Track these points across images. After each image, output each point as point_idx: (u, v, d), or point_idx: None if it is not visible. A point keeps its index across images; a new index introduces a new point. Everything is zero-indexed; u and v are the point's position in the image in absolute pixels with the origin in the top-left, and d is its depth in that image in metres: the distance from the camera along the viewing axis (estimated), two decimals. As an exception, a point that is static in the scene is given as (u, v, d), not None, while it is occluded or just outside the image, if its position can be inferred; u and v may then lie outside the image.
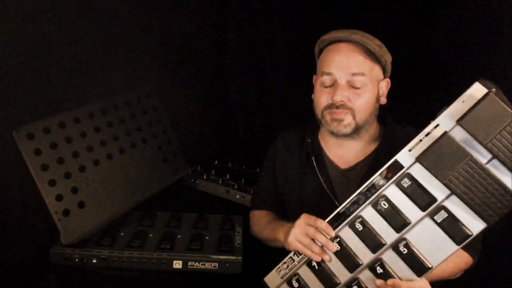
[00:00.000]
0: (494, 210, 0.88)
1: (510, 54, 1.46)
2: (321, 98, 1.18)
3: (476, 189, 0.89)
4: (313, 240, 1.06)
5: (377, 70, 1.18)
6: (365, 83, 1.14)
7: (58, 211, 1.31)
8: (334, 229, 1.05)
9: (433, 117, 0.95)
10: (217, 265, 1.35)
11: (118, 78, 1.73)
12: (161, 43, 1.92)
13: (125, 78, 1.76)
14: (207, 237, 1.47)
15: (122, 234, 1.45)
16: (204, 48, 2.07)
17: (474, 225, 0.91)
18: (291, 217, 1.35)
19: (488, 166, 0.89)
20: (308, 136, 1.31)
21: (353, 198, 1.04)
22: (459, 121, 0.90)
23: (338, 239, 1.05)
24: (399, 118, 1.32)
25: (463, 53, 1.62)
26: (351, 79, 1.13)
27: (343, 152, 1.26)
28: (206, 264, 1.34)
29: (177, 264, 1.34)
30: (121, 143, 1.57)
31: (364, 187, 1.02)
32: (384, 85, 1.22)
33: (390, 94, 1.27)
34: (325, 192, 1.22)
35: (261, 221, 1.41)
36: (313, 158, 1.26)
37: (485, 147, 0.88)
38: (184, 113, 2.05)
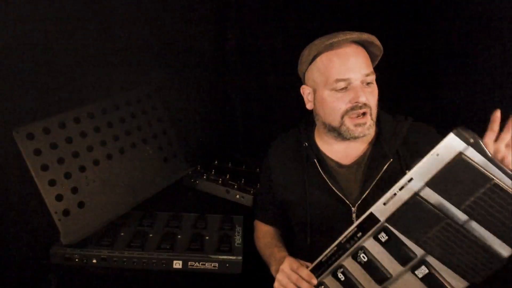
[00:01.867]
0: (476, 271, 0.84)
1: (510, 54, 1.46)
2: (339, 104, 1.15)
3: (455, 251, 0.85)
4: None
5: None
6: (373, 79, 1.17)
7: (58, 211, 1.32)
8: (318, 276, 1.04)
9: (409, 167, 0.90)
10: (217, 265, 1.35)
11: (118, 78, 1.73)
12: (161, 43, 1.92)
13: (125, 78, 1.76)
14: (207, 237, 1.47)
15: (122, 234, 1.45)
16: (204, 48, 2.07)
17: (457, 282, 0.87)
18: (298, 225, 1.34)
19: (466, 225, 0.84)
20: (304, 140, 1.30)
21: (333, 247, 1.01)
22: (429, 184, 0.84)
23: (322, 286, 1.04)
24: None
25: (463, 53, 1.62)
26: (364, 79, 1.14)
27: (344, 148, 1.26)
28: (206, 264, 1.34)
29: (177, 264, 1.34)
30: (121, 143, 1.57)
31: (343, 237, 0.99)
32: None
33: (391, 94, 1.27)
34: (332, 191, 1.21)
35: (261, 241, 1.41)
36: (315, 160, 1.26)
37: (461, 211, 0.83)
38: (184, 113, 2.05)
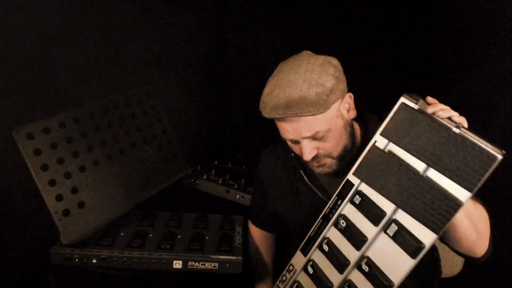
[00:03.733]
0: (437, 217, 0.86)
1: (510, 54, 1.46)
2: (296, 152, 1.17)
3: (414, 197, 0.88)
4: None
5: (330, 110, 1.09)
6: (325, 130, 1.09)
7: (58, 211, 1.31)
8: (307, 253, 1.08)
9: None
10: (217, 265, 1.35)
11: (118, 78, 1.73)
12: (161, 43, 1.92)
13: (125, 78, 1.76)
14: (207, 237, 1.47)
15: (122, 234, 1.45)
16: (204, 48, 2.07)
17: (425, 236, 0.89)
18: (292, 234, 1.35)
19: (425, 174, 0.88)
20: (291, 151, 1.28)
21: (319, 220, 1.06)
22: (382, 133, 0.93)
23: (311, 263, 1.07)
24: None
25: (463, 53, 1.62)
26: (310, 137, 1.10)
27: None
28: (206, 264, 1.34)
29: (177, 264, 1.34)
30: (121, 143, 1.57)
31: (326, 209, 1.04)
32: (346, 106, 1.14)
33: (389, 94, 1.26)
34: (320, 200, 1.21)
35: (253, 253, 1.48)
36: (301, 170, 1.25)
37: (412, 155, 0.89)
38: (184, 113, 2.05)
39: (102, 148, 1.50)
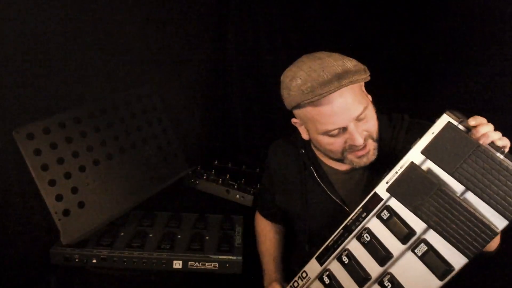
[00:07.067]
0: (471, 243, 0.85)
1: (510, 54, 1.46)
2: (335, 147, 1.10)
3: (449, 220, 0.87)
4: None
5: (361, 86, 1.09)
6: (366, 106, 1.07)
7: (58, 211, 1.32)
8: (323, 262, 1.06)
9: (408, 148, 0.95)
10: (217, 265, 1.35)
11: (118, 78, 1.73)
12: (161, 43, 1.92)
13: (125, 78, 1.76)
14: (207, 237, 1.47)
15: (122, 234, 1.45)
16: (204, 48, 2.08)
17: (455, 259, 0.88)
18: (298, 232, 1.33)
19: (463, 197, 0.87)
20: (301, 147, 1.27)
21: (339, 231, 1.03)
22: (423, 151, 0.90)
23: (327, 273, 1.05)
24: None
25: (463, 53, 1.62)
26: (360, 115, 1.06)
27: None
28: (206, 264, 1.34)
29: (177, 264, 1.34)
30: (121, 143, 1.57)
31: (348, 220, 1.02)
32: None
33: (389, 94, 1.26)
34: (331, 199, 1.20)
35: (261, 242, 1.42)
36: (312, 168, 1.24)
37: (453, 177, 0.87)
38: (184, 113, 2.05)
39: (102, 148, 1.50)
